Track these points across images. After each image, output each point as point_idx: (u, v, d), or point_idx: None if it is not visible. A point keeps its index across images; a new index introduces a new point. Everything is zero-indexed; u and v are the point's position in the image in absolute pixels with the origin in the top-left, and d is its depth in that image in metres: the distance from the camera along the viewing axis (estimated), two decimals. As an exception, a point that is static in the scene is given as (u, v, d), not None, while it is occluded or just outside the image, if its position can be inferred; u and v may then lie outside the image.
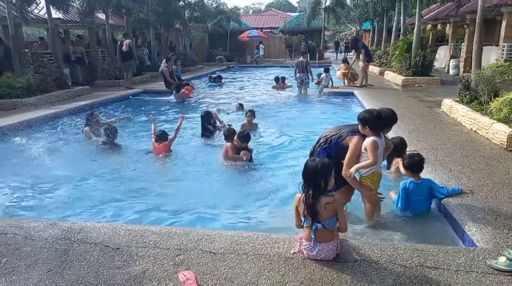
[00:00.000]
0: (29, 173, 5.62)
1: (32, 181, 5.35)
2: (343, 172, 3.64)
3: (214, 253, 3.00)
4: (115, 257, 2.96)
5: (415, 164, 4.05)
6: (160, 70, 13.86)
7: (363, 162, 3.63)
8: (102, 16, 16.84)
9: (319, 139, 3.91)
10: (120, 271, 2.78)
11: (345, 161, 3.65)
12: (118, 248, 3.07)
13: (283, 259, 2.91)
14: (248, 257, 2.93)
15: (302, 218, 2.90)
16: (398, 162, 4.62)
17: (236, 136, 6.01)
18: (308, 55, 16.70)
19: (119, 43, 14.51)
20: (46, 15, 13.05)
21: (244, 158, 5.83)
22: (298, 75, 12.91)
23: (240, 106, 10.47)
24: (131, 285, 2.64)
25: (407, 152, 4.54)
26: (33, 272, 2.79)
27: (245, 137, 5.96)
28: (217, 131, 7.35)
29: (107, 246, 3.10)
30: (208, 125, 7.35)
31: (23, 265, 2.87)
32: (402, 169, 4.31)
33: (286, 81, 15.10)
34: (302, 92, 13.10)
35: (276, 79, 15.23)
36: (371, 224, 3.87)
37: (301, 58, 13.02)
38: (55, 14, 13.90)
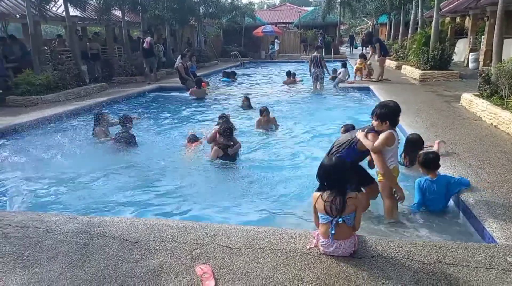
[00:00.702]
0: (49, 169, 5.75)
1: (52, 176, 5.48)
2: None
3: (230, 247, 3.02)
4: (134, 250, 3.01)
5: (429, 161, 3.97)
6: (175, 66, 13.99)
7: (373, 144, 3.55)
8: (118, 13, 17.04)
9: (331, 148, 3.87)
10: (139, 264, 2.83)
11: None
12: (136, 242, 3.13)
13: (299, 254, 2.91)
14: (264, 252, 2.95)
15: (320, 215, 2.90)
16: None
17: (218, 130, 5.71)
18: (324, 49, 16.60)
19: (141, 41, 15.16)
20: (64, 13, 13.28)
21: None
22: (313, 70, 12.83)
23: (246, 100, 10.22)
24: (149, 278, 2.68)
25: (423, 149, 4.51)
26: (54, 265, 2.86)
27: (224, 132, 5.63)
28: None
29: (126, 240, 3.16)
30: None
31: (45, 258, 2.95)
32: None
33: (296, 76, 15.38)
34: (318, 87, 13.02)
35: (288, 73, 15.44)
36: (390, 222, 3.83)
37: (315, 53, 12.93)
38: (73, 12, 14.13)
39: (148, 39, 14.72)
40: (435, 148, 4.31)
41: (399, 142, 3.77)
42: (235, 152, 5.88)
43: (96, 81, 13.82)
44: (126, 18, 16.70)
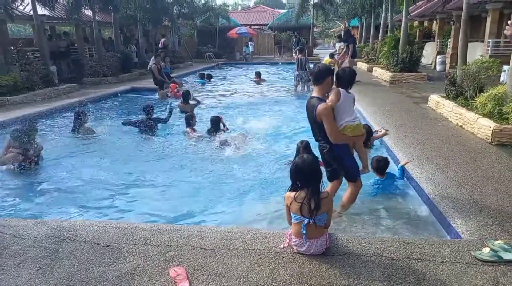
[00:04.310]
0: (15, 173, 5.55)
1: (19, 179, 5.30)
2: (334, 137, 3.57)
3: (204, 248, 3.02)
4: (105, 254, 2.96)
5: (381, 168, 4.73)
6: (148, 67, 13.82)
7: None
8: (89, 12, 16.64)
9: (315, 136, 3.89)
10: (111, 268, 2.79)
11: (329, 130, 3.55)
12: (108, 246, 3.07)
13: (273, 254, 2.94)
14: (239, 252, 2.96)
15: (293, 215, 2.94)
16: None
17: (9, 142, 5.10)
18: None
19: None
20: (31, 12, 12.85)
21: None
22: (296, 72, 12.92)
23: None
24: (122, 281, 2.65)
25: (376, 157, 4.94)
26: (22, 271, 2.78)
27: (16, 137, 4.94)
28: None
29: (97, 244, 3.10)
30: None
31: (12, 264, 2.86)
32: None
33: (261, 76, 16.66)
34: (300, 89, 13.12)
35: (257, 74, 16.59)
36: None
37: (299, 56, 13.02)
38: (41, 10, 13.70)
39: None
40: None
41: (353, 104, 3.84)
42: (38, 155, 5.49)
43: (66, 82, 13.43)
44: (97, 18, 16.32)
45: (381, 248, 2.99)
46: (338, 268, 2.76)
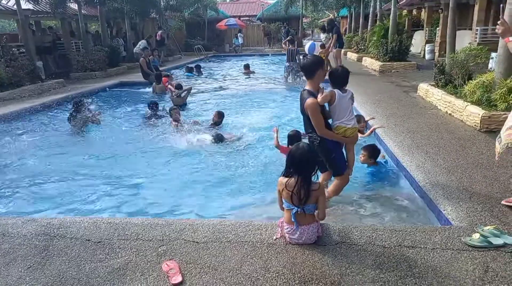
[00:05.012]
0: (3, 170, 5.48)
1: (6, 177, 5.23)
2: (319, 132, 3.67)
3: (197, 242, 3.01)
4: (97, 250, 2.94)
5: (376, 155, 4.88)
6: (134, 51, 13.57)
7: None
8: (74, 6, 16.33)
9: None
10: (103, 264, 2.77)
11: (315, 124, 3.63)
12: (99, 242, 3.05)
13: (265, 245, 2.95)
14: (231, 245, 2.96)
15: (284, 201, 2.94)
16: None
17: None
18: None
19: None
20: (15, 6, 12.57)
21: None
22: (287, 64, 12.86)
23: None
24: (114, 277, 2.63)
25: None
26: (12, 270, 2.74)
27: None
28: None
29: (88, 240, 3.07)
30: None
31: (2, 263, 2.82)
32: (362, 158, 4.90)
33: (250, 68, 16.61)
34: (291, 80, 13.07)
35: (246, 66, 16.48)
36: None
37: (291, 47, 12.94)
38: (25, 4, 13.41)
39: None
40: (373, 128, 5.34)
41: (352, 102, 3.85)
42: None
43: (53, 78, 13.21)
44: (83, 11, 16.03)
45: (372, 236, 3.01)
46: (331, 257, 2.78)
